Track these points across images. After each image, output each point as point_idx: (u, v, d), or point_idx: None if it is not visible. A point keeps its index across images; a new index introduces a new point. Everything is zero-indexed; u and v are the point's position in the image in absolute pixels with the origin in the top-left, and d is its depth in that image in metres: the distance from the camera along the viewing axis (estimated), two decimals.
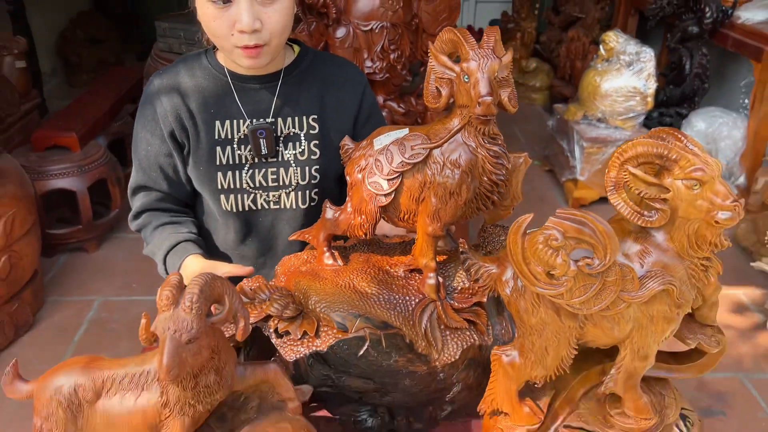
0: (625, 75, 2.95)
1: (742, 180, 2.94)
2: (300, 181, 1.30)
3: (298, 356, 0.92)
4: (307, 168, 1.29)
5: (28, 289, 2.20)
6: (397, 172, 0.94)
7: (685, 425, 0.89)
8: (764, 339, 2.21)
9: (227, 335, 0.86)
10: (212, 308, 0.75)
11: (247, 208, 1.30)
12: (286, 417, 0.81)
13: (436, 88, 0.91)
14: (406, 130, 0.98)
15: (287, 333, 0.93)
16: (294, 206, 1.31)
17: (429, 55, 0.92)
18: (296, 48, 1.32)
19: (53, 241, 2.53)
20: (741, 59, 3.19)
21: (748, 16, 3.00)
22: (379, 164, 0.96)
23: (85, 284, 2.46)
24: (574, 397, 0.88)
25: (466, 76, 0.86)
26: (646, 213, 0.74)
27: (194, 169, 1.28)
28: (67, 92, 4.46)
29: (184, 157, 1.29)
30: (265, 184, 1.28)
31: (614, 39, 2.98)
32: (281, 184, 1.29)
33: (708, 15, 3.05)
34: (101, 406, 0.76)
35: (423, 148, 0.92)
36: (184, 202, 1.36)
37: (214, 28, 1.14)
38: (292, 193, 1.30)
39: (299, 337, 0.93)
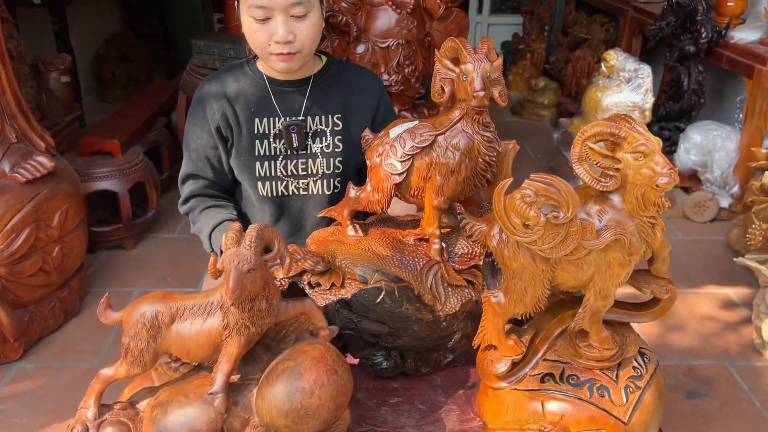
0: (624, 90, 3.16)
1: (736, 189, 3.12)
2: (325, 170, 1.52)
3: (327, 302, 1.13)
4: (331, 159, 1.51)
5: (76, 278, 2.43)
6: (409, 155, 1.16)
7: (643, 360, 1.08)
8: (749, 331, 2.38)
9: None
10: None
11: (280, 194, 1.52)
12: (319, 341, 1.02)
13: (441, 86, 1.13)
14: (416, 122, 1.19)
15: (318, 284, 1.15)
16: (320, 192, 1.52)
17: (435, 59, 1.14)
18: (324, 58, 1.55)
19: (95, 238, 2.77)
20: (737, 77, 3.38)
21: (740, 36, 3.20)
22: (393, 149, 1.17)
23: (124, 277, 2.69)
24: (550, 335, 1.07)
25: (464, 76, 1.08)
26: (602, 180, 0.95)
27: (236, 159, 1.50)
28: (101, 107, 4.74)
29: (227, 150, 1.51)
30: (295, 173, 1.51)
31: (614, 57, 3.20)
32: (309, 173, 1.51)
33: (704, 35, 3.25)
34: (175, 328, 0.97)
35: (430, 135, 1.14)
36: (225, 190, 1.58)
37: (255, 39, 1.37)
38: (319, 181, 1.52)
39: (328, 287, 1.15)
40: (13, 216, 2.06)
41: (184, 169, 1.56)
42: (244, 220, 1.59)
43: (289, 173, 1.50)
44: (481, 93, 1.06)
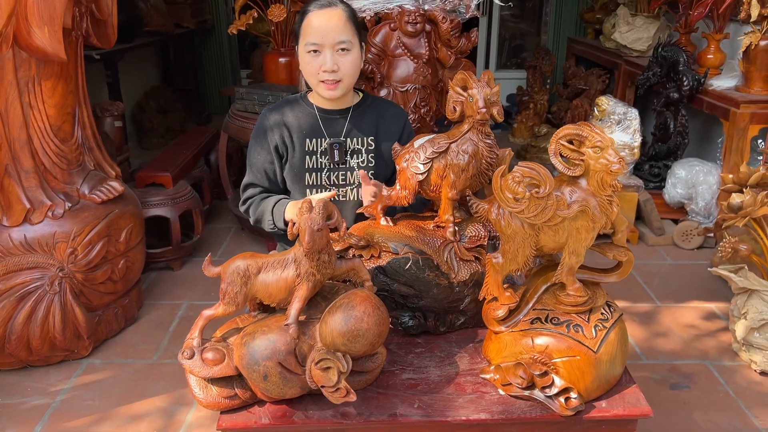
0: (615, 131, 3.55)
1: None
2: (360, 181, 1.90)
3: (368, 268, 1.48)
4: (366, 172, 1.89)
5: (135, 290, 2.79)
6: (429, 158, 1.53)
7: (609, 309, 1.41)
8: (727, 337, 2.68)
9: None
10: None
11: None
12: (364, 290, 1.36)
13: (453, 106, 1.51)
14: (434, 135, 1.57)
15: (361, 256, 1.50)
16: (355, 199, 1.89)
17: (449, 87, 1.53)
18: (361, 94, 1.95)
19: (147, 259, 3.13)
20: (720, 122, 3.77)
21: (718, 84, 3.60)
22: (417, 155, 1.55)
23: (173, 292, 3.05)
24: (538, 290, 1.41)
25: (471, 98, 1.46)
26: (571, 168, 1.31)
27: (290, 171, 1.88)
28: (140, 153, 5.18)
29: (281, 165, 1.90)
30: (336, 183, 1.88)
31: (606, 102, 3.60)
32: (348, 182, 1.89)
33: (685, 83, 3.65)
34: (260, 277, 1.32)
35: (445, 143, 1.51)
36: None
37: (309, 69, 1.78)
38: (355, 190, 1.89)
39: (368, 258, 1.51)
40: (90, 230, 2.44)
41: (246, 179, 1.93)
42: None
43: (332, 183, 1.88)
44: (484, 110, 1.44)
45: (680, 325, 2.79)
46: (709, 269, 2.62)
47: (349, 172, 1.89)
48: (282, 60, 3.51)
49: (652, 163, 3.90)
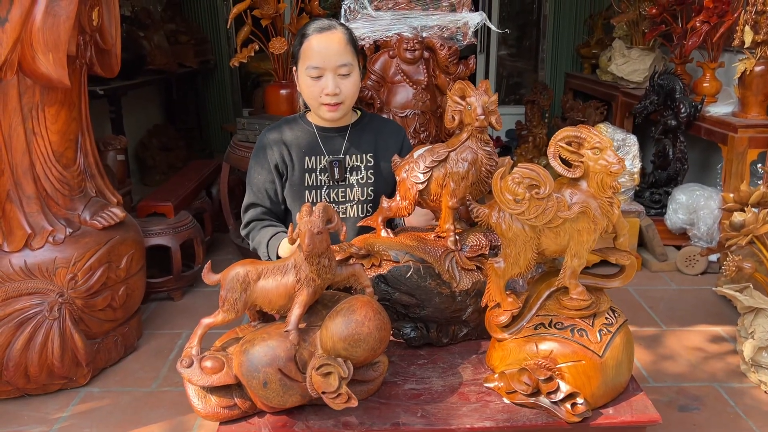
0: None
1: None
2: (360, 197, 1.90)
3: (369, 277, 1.47)
4: (365, 188, 1.89)
5: (135, 318, 2.76)
6: (429, 168, 1.54)
7: (613, 314, 1.39)
8: (735, 359, 2.64)
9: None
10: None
11: None
12: (365, 295, 1.35)
13: (452, 115, 1.52)
14: (433, 146, 1.58)
15: (362, 265, 1.49)
16: (355, 215, 1.89)
17: (447, 96, 1.54)
18: (359, 112, 1.97)
19: (148, 289, 3.11)
20: (719, 148, 3.80)
21: (715, 110, 3.64)
22: (417, 164, 1.55)
23: (173, 322, 3.02)
24: (541, 296, 1.40)
25: (469, 106, 1.47)
26: (570, 170, 1.31)
27: (290, 189, 1.88)
28: (143, 189, 5.21)
29: (282, 184, 1.90)
30: (336, 200, 1.88)
31: (604, 129, 3.63)
32: (347, 199, 1.89)
33: (683, 111, 3.69)
34: (260, 284, 1.31)
35: (444, 151, 1.52)
36: (278, 217, 1.95)
37: (310, 93, 1.79)
38: (355, 206, 1.89)
39: (369, 267, 1.49)
40: (91, 256, 2.43)
41: (247, 200, 1.94)
42: None
43: (331, 200, 1.88)
44: (482, 117, 1.45)
45: (687, 348, 2.75)
46: (713, 288, 2.59)
47: (348, 189, 1.89)
48: (283, 92, 3.56)
49: (653, 190, 3.91)
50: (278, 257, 1.77)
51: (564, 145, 1.31)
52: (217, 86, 6.34)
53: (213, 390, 1.31)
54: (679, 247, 3.66)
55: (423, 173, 1.54)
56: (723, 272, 2.50)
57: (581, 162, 1.30)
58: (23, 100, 2.27)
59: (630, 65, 4.66)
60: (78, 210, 2.48)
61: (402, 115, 2.78)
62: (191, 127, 6.20)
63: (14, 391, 2.38)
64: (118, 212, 2.57)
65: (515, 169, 1.28)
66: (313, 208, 1.27)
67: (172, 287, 3.17)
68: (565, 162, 1.32)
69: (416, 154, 1.58)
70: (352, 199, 1.89)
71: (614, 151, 1.29)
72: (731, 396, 2.40)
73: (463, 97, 1.51)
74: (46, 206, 2.39)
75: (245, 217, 1.94)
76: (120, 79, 4.22)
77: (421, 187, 1.54)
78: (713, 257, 3.50)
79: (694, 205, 3.49)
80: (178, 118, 6.10)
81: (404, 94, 2.78)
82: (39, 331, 2.31)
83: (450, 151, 1.52)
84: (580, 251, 1.33)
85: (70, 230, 2.41)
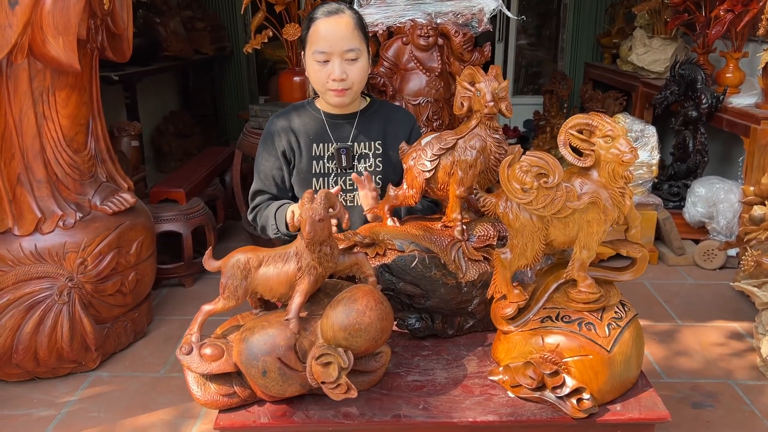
0: None
1: None
2: None
3: (373, 266, 1.44)
4: (373, 177, 1.86)
5: (145, 304, 2.76)
6: (436, 155, 1.50)
7: (623, 308, 1.35)
8: (752, 357, 2.57)
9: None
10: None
11: None
12: (367, 285, 1.32)
13: (461, 102, 1.49)
14: (441, 132, 1.54)
15: (366, 254, 1.46)
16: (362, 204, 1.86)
17: (457, 82, 1.50)
18: (368, 98, 1.94)
19: (159, 275, 3.11)
20: (741, 140, 3.71)
21: (737, 101, 3.55)
22: (424, 152, 1.52)
23: (184, 308, 3.02)
24: (549, 288, 1.36)
25: (479, 92, 1.43)
26: (581, 159, 1.27)
27: (297, 177, 1.86)
28: (158, 176, 5.22)
29: (290, 171, 1.87)
30: (344, 188, 1.85)
31: (622, 120, 3.56)
32: (355, 188, 1.86)
33: (704, 102, 3.60)
34: (261, 271, 1.29)
35: (452, 139, 1.48)
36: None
37: (317, 78, 1.76)
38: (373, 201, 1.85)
39: (373, 256, 1.47)
40: (101, 241, 2.43)
41: (254, 186, 1.92)
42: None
43: (339, 186, 1.85)
44: (491, 103, 1.41)
45: (702, 344, 2.69)
46: (731, 284, 2.53)
47: None
48: (297, 79, 3.53)
49: (672, 182, 3.83)
50: (287, 226, 1.74)
51: (575, 133, 1.27)
52: (234, 73, 6.32)
53: (212, 377, 1.30)
54: (697, 241, 3.58)
55: (430, 161, 1.50)
56: (741, 267, 2.44)
57: (592, 151, 1.26)
58: (34, 84, 2.26)
59: (651, 55, 4.56)
60: (88, 195, 2.47)
61: (415, 102, 2.74)
62: (207, 114, 6.20)
63: (24, 374, 2.39)
64: (129, 198, 2.56)
65: (523, 157, 1.24)
66: (315, 194, 1.25)
67: (183, 274, 3.17)
68: (576, 151, 1.28)
69: (424, 141, 1.55)
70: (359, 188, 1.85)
71: (627, 140, 1.25)
72: (747, 394, 2.35)
73: (472, 83, 1.47)
74: (57, 190, 2.39)
75: (252, 204, 1.92)
76: (135, 65, 4.23)
77: (428, 175, 1.51)
78: (732, 252, 3.42)
79: (713, 199, 3.41)
80: (195, 104, 6.10)
81: (417, 81, 2.74)
82: (48, 315, 2.32)
83: (458, 139, 1.48)
84: (589, 243, 1.29)
85: (80, 215, 2.41)
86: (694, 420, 2.20)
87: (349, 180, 1.85)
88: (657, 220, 3.53)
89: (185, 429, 2.16)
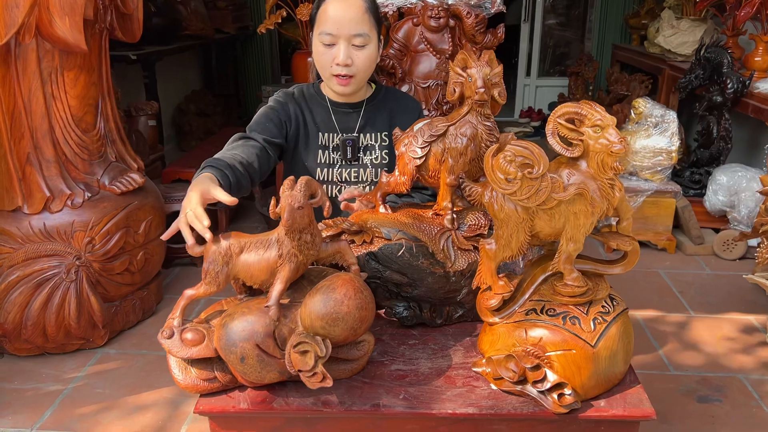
0: (653, 135, 3.41)
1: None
2: (373, 179, 1.84)
3: (359, 254, 1.43)
4: (378, 169, 1.83)
5: (154, 283, 2.80)
6: (427, 142, 1.47)
7: (611, 302, 1.32)
8: (765, 351, 2.51)
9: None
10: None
11: (333, 196, 1.84)
12: (349, 273, 1.31)
13: (453, 88, 1.45)
14: (432, 118, 1.51)
15: (353, 241, 1.45)
16: None
17: (449, 67, 1.46)
18: (373, 86, 1.90)
19: (171, 254, 3.16)
20: (766, 126, 3.59)
21: (765, 87, 3.43)
22: (416, 138, 1.49)
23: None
24: (535, 280, 1.33)
25: (470, 78, 1.40)
26: (569, 148, 1.23)
27: (301, 166, 1.82)
28: (179, 155, 5.27)
29: (283, 139, 1.76)
30: (348, 180, 1.83)
31: (643, 105, 3.46)
32: (360, 180, 1.83)
33: (729, 86, 3.49)
34: (242, 257, 1.28)
35: (443, 125, 1.45)
36: (251, 162, 1.66)
37: (321, 60, 1.72)
38: (367, 188, 1.83)
39: (360, 243, 1.45)
40: (109, 220, 2.46)
41: (249, 126, 1.77)
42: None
43: (343, 179, 1.83)
44: (482, 90, 1.37)
45: (714, 336, 2.63)
46: (743, 276, 2.46)
47: (361, 169, 1.83)
48: (310, 59, 3.50)
49: (693, 169, 3.73)
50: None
51: (563, 122, 1.23)
52: (256, 53, 6.32)
53: (193, 362, 1.30)
54: (717, 230, 3.50)
55: (421, 148, 1.48)
56: (756, 258, 2.37)
57: (581, 141, 1.22)
58: (42, 64, 2.29)
59: (678, 37, 4.43)
60: (97, 175, 2.50)
61: (424, 85, 2.70)
62: (229, 93, 6.22)
63: (34, 349, 2.45)
64: (137, 178, 2.59)
65: (507, 146, 1.21)
66: (296, 182, 1.23)
67: None
68: (566, 141, 1.24)
69: (416, 127, 1.52)
70: (365, 179, 1.83)
71: (617, 130, 1.20)
72: (756, 388, 2.29)
73: (464, 68, 1.43)
74: (66, 170, 2.42)
75: (235, 136, 1.76)
76: (154, 44, 4.24)
77: (418, 162, 1.48)
78: (753, 242, 3.33)
79: (735, 187, 3.31)
80: (216, 84, 6.12)
81: (427, 63, 2.69)
82: (56, 293, 2.36)
83: (449, 126, 1.45)
84: (576, 235, 1.25)
85: (89, 194, 2.44)
86: (699, 414, 2.16)
87: (354, 172, 1.83)
88: (675, 208, 3.44)
89: (186, 408, 2.19)
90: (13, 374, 2.37)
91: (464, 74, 1.42)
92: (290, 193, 1.21)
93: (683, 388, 2.29)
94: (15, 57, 2.24)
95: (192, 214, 1.30)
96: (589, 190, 1.21)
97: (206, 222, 1.28)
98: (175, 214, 3.19)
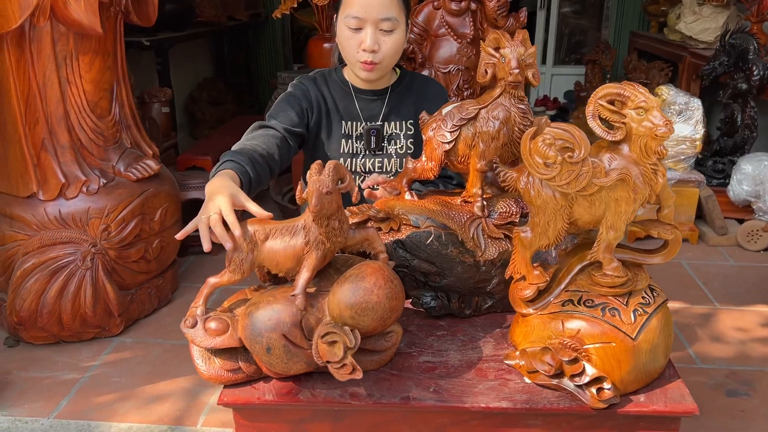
0: (676, 123, 3.33)
1: None
2: (398, 169, 1.78)
3: (386, 242, 1.38)
4: (403, 159, 1.77)
5: (170, 271, 2.76)
6: (457, 126, 1.41)
7: (651, 293, 1.26)
8: None
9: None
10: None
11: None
12: (378, 261, 1.26)
13: (485, 69, 1.39)
14: (463, 101, 1.46)
15: (380, 229, 1.40)
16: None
17: (481, 48, 1.41)
18: (398, 71, 1.84)
19: (186, 242, 3.11)
20: None
21: None
22: (444, 122, 1.43)
23: (209, 276, 3.01)
24: (572, 270, 1.28)
25: (503, 58, 1.34)
26: (611, 132, 1.17)
27: (324, 153, 1.77)
28: (191, 143, 5.22)
29: (304, 128, 1.71)
30: (372, 170, 1.77)
31: (666, 92, 3.38)
32: (384, 170, 1.77)
33: (755, 73, 3.40)
34: (268, 244, 1.24)
35: (474, 108, 1.39)
36: (272, 154, 1.61)
37: (347, 45, 1.66)
38: (391, 178, 1.78)
39: (387, 231, 1.40)
40: (124, 208, 2.43)
41: (267, 114, 1.74)
42: None
43: (367, 170, 1.77)
44: (516, 71, 1.32)
45: (740, 329, 2.57)
46: None
47: (386, 159, 1.78)
48: (327, 45, 3.45)
49: (717, 158, 3.65)
50: None
51: (605, 104, 1.17)
52: (268, 40, 6.25)
53: (217, 352, 1.27)
54: (741, 221, 3.42)
55: (450, 132, 1.42)
56: None
57: (623, 123, 1.16)
58: (57, 48, 2.24)
59: (700, 23, 4.33)
60: (112, 161, 2.46)
61: (445, 70, 2.64)
62: (241, 81, 6.17)
63: (50, 337, 2.42)
64: (153, 164, 2.54)
65: (546, 129, 1.16)
66: (324, 166, 1.19)
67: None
68: (606, 124, 1.19)
69: (444, 111, 1.46)
70: (389, 170, 1.78)
71: (661, 112, 1.15)
72: None
73: (497, 49, 1.37)
74: (81, 156, 2.38)
75: (255, 125, 1.70)
76: (167, 31, 4.19)
77: (447, 147, 1.43)
78: None
79: (760, 177, 3.23)
80: (229, 72, 6.07)
81: (448, 48, 2.63)
82: (72, 280, 2.33)
83: (480, 108, 1.39)
84: (617, 223, 1.19)
85: (104, 181, 2.41)
86: (728, 409, 2.10)
87: (378, 161, 1.78)
88: (699, 197, 3.37)
89: (204, 398, 2.16)
90: (29, 363, 2.35)
91: (497, 55, 1.36)
92: (318, 178, 1.16)
93: (711, 381, 2.24)
94: (29, 40, 2.20)
95: (216, 217, 1.24)
96: (632, 176, 1.16)
97: (238, 232, 1.22)
98: (191, 203, 3.18)
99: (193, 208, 3.16)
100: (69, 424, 2.03)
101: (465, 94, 2.64)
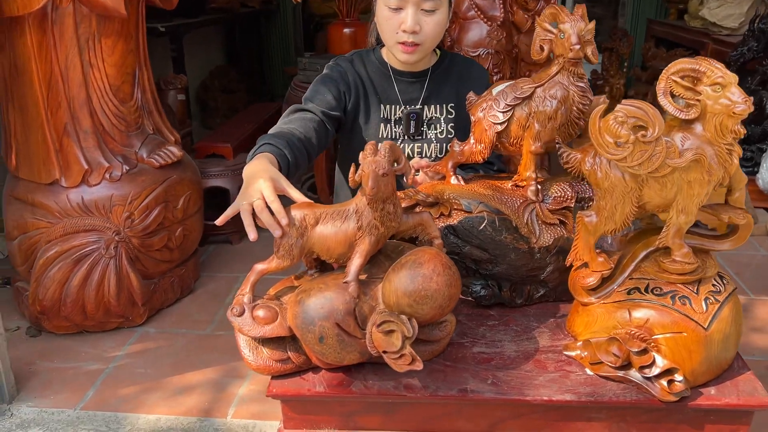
0: None
1: None
2: (438, 154, 1.72)
3: (438, 227, 1.31)
4: (444, 144, 1.71)
5: (192, 260, 2.71)
6: (510, 105, 1.35)
7: (721, 281, 1.20)
8: None
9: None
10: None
11: None
12: (433, 248, 1.20)
13: (541, 46, 1.33)
14: (517, 80, 1.39)
15: (430, 213, 1.34)
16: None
17: (537, 24, 1.34)
18: (438, 52, 1.77)
19: (206, 232, 3.05)
20: None
21: None
22: (497, 102, 1.37)
23: (231, 266, 2.96)
24: (637, 256, 1.22)
25: (562, 34, 1.27)
26: (685, 110, 1.11)
27: (362, 138, 1.70)
28: (203, 132, 5.16)
29: (341, 111, 1.66)
30: (411, 156, 1.71)
31: None
32: (423, 156, 1.71)
33: None
34: (318, 229, 1.17)
35: (530, 87, 1.33)
36: (309, 138, 1.56)
37: (386, 26, 1.59)
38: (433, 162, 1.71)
39: (437, 216, 1.34)
40: (147, 195, 2.36)
41: (305, 96, 1.68)
42: None
43: (406, 155, 1.70)
44: (577, 46, 1.25)
45: None
46: None
47: (425, 144, 1.71)
48: (347, 30, 3.37)
49: (745, 146, 3.57)
50: None
51: (678, 80, 1.10)
52: (280, 28, 6.17)
53: (265, 341, 1.21)
54: None
55: (503, 112, 1.36)
56: None
57: (698, 101, 1.10)
58: (80, 30, 2.18)
59: (724, 9, 4.25)
60: (135, 147, 2.40)
61: (474, 54, 2.57)
62: (253, 70, 6.09)
63: (73, 326, 2.37)
64: (176, 151, 2.48)
65: (618, 106, 1.09)
66: (379, 146, 1.12)
67: (230, 230, 3.11)
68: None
69: (495, 90, 1.40)
70: (428, 156, 1.71)
71: (739, 89, 1.08)
72: None
73: (555, 25, 1.30)
74: (103, 142, 2.32)
75: (293, 107, 1.64)
76: (181, 17, 4.12)
77: (500, 128, 1.37)
78: None
79: None
80: (241, 60, 5.99)
81: (477, 31, 2.56)
82: (96, 269, 2.28)
83: (536, 87, 1.33)
84: (688, 206, 1.13)
85: (127, 167, 2.34)
86: None
87: (418, 147, 1.71)
88: None
89: (232, 389, 2.11)
90: (53, 353, 2.30)
91: (555, 31, 1.29)
92: (374, 159, 1.10)
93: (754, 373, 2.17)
94: (52, 22, 2.13)
95: (260, 203, 1.18)
96: (707, 156, 1.09)
97: (285, 220, 1.16)
98: (212, 191, 3.12)
99: (213, 196, 3.11)
100: (96, 415, 1.98)
101: (494, 78, 2.57)
